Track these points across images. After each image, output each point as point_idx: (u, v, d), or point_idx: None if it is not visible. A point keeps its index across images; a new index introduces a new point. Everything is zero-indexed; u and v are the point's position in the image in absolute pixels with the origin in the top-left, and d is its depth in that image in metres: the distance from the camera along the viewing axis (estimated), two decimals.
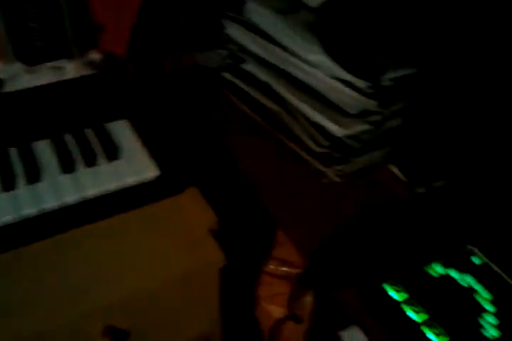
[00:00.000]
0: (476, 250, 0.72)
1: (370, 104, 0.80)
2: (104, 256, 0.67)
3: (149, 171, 0.73)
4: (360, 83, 0.79)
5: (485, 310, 0.66)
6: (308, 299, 0.79)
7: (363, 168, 0.89)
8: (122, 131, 0.80)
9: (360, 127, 0.82)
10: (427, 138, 0.85)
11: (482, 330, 0.63)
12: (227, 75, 1.00)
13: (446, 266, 0.70)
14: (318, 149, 0.86)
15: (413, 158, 0.86)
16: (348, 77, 0.80)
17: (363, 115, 0.81)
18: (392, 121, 0.86)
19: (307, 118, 0.86)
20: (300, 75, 0.87)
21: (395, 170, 0.88)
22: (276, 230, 0.92)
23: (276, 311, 0.93)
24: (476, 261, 0.72)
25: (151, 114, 0.86)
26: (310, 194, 0.86)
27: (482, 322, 0.65)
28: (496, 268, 0.71)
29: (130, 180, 0.72)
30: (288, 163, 0.90)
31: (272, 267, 0.94)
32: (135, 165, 0.74)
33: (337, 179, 0.86)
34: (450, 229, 0.75)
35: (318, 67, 0.83)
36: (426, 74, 0.83)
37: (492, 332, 0.64)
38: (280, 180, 0.88)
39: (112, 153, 0.75)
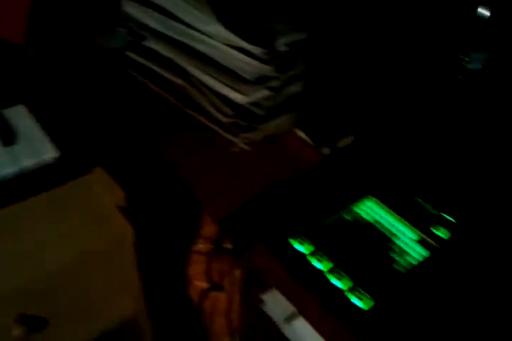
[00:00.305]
0: (373, 198, 0.76)
1: (267, 69, 0.81)
2: (10, 242, 0.66)
3: (47, 153, 0.72)
4: (255, 50, 0.80)
5: (395, 243, 0.70)
6: (227, 267, 0.80)
7: (272, 135, 0.90)
8: (19, 117, 0.78)
9: (261, 93, 0.83)
10: (327, 100, 0.88)
11: (393, 265, 0.67)
12: (130, 54, 0.99)
13: (351, 215, 0.73)
14: (224, 119, 0.86)
15: (316, 121, 0.89)
16: (244, 44, 0.81)
17: (261, 81, 0.82)
18: (291, 87, 0.88)
19: (211, 90, 0.87)
20: (199, 47, 0.87)
21: (302, 134, 0.90)
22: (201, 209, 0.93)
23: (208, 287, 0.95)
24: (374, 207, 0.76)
25: (49, 98, 0.84)
26: (221, 165, 0.86)
27: (393, 257, 0.68)
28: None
29: (28, 163, 0.71)
30: (199, 136, 0.90)
31: (200, 246, 0.95)
32: (32, 148, 0.73)
33: (246, 147, 0.88)
34: (351, 182, 0.78)
35: (214, 37, 0.83)
36: (317, 38, 0.85)
37: (403, 263, 0.68)
38: (192, 154, 0.88)
39: (8, 138, 0.73)
